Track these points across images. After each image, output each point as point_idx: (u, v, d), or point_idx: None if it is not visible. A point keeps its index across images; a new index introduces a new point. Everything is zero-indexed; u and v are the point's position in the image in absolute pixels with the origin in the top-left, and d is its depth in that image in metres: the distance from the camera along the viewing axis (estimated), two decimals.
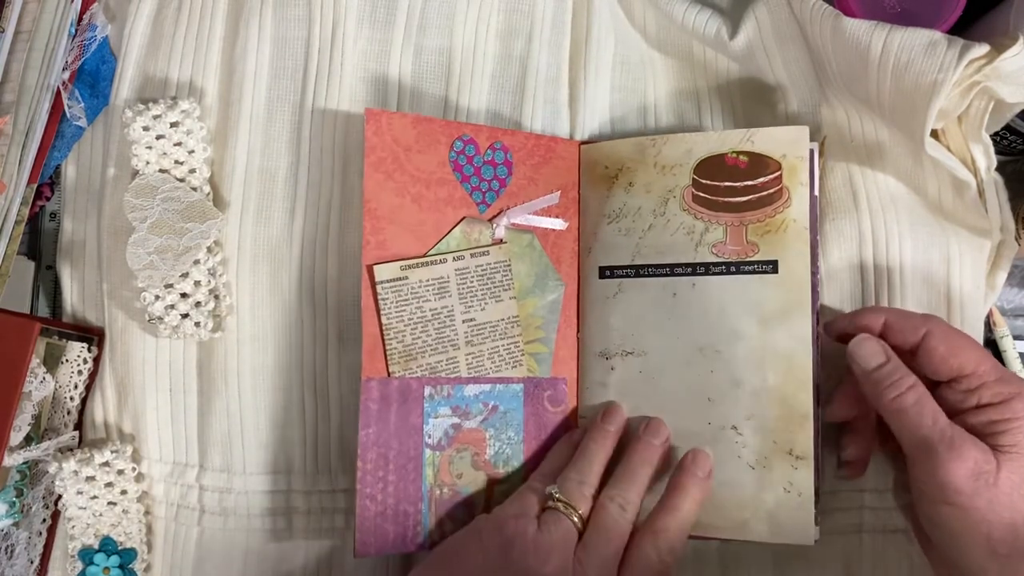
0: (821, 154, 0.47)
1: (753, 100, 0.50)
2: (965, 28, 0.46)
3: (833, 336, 0.45)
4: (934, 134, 0.43)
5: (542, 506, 0.43)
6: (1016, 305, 0.52)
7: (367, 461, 0.44)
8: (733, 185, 0.46)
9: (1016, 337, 0.51)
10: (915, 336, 0.42)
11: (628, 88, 0.51)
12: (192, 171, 0.47)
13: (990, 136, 0.44)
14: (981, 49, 0.40)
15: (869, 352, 0.42)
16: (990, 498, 0.38)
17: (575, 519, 0.42)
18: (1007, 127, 0.46)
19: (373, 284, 0.44)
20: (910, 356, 0.42)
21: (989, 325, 0.50)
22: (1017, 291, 0.52)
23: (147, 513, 0.48)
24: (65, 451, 0.47)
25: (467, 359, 0.46)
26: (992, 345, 0.51)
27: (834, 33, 0.43)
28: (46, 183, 0.50)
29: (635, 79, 0.51)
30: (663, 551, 0.42)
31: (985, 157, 0.44)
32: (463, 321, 0.46)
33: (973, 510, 0.38)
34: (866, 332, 0.43)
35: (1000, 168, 0.45)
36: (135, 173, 0.47)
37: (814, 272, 0.45)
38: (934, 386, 0.42)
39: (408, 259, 0.45)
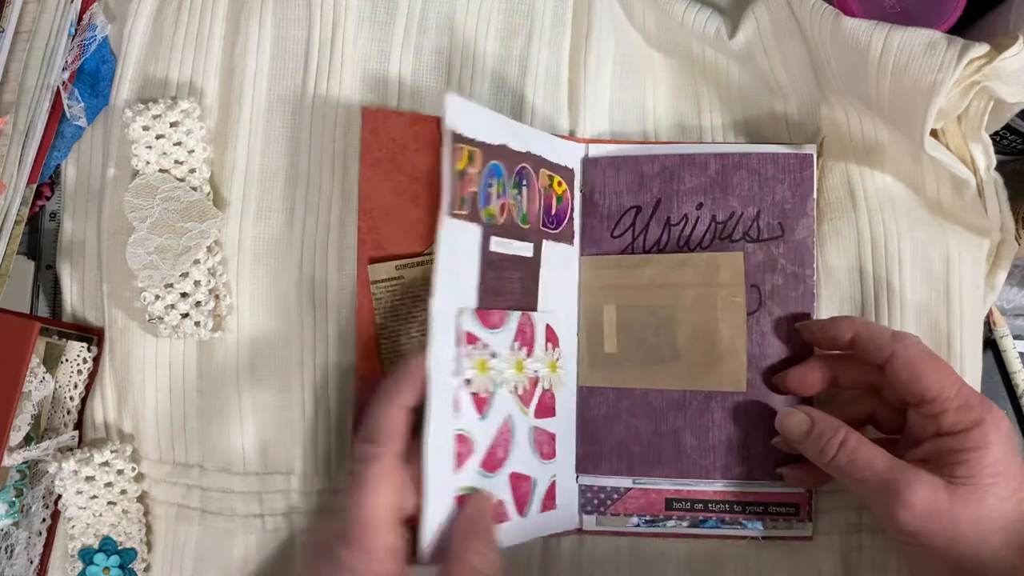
0: (820, 155, 0.47)
1: (753, 100, 0.50)
2: (965, 28, 0.46)
3: (807, 340, 0.45)
4: (933, 133, 0.43)
5: None
6: (1016, 305, 0.52)
7: None
8: None
9: (1016, 337, 0.51)
10: (881, 355, 0.41)
11: (628, 87, 0.51)
12: (192, 171, 0.47)
13: (990, 136, 0.44)
14: (981, 49, 0.39)
15: (794, 423, 0.43)
16: (950, 536, 0.38)
17: None
18: (1007, 127, 0.46)
19: (367, 283, 0.45)
20: (880, 373, 0.42)
21: (989, 325, 0.50)
22: (1017, 291, 0.52)
23: (147, 513, 0.48)
24: (65, 451, 0.47)
25: None
26: (992, 345, 0.51)
27: (834, 33, 0.43)
28: (46, 183, 0.51)
29: (635, 78, 0.51)
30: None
31: (984, 156, 0.44)
32: None
33: (933, 548, 0.38)
34: (835, 342, 0.43)
35: (1000, 168, 0.45)
36: (135, 173, 0.47)
37: (809, 275, 0.46)
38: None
39: (403, 258, 0.45)
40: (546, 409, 0.46)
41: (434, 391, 0.39)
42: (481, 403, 0.42)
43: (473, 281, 0.42)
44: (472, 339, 0.42)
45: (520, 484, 0.44)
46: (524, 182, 0.45)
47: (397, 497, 0.39)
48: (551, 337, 0.46)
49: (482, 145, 0.43)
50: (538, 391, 0.45)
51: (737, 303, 0.46)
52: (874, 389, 0.44)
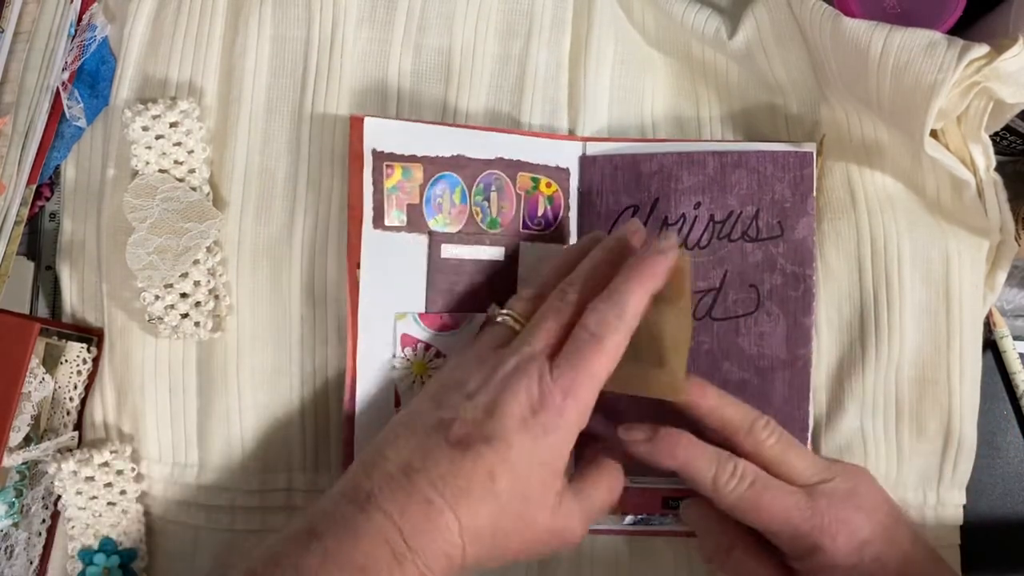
0: (819, 154, 0.47)
1: (752, 100, 0.50)
2: (965, 28, 0.46)
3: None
4: (933, 134, 0.43)
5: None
6: (1016, 305, 0.52)
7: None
8: None
9: (1016, 337, 0.51)
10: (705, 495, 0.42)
11: (627, 87, 0.50)
12: (192, 171, 0.47)
13: (990, 136, 0.44)
14: (981, 50, 0.39)
15: (693, 518, 0.45)
16: None
17: (512, 324, 0.42)
18: (1007, 127, 0.46)
19: (357, 285, 0.45)
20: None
21: (989, 326, 0.50)
22: (1017, 291, 0.52)
23: (147, 513, 0.48)
24: (64, 451, 0.47)
25: None
26: (992, 346, 0.50)
27: (833, 33, 0.43)
28: (46, 183, 0.51)
29: (634, 78, 0.51)
30: (592, 325, 0.39)
31: (984, 157, 0.44)
32: None
33: None
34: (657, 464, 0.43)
35: (1000, 168, 0.45)
36: (134, 173, 0.47)
37: (809, 274, 0.46)
38: None
39: None
40: None
41: (368, 388, 0.45)
42: None
43: (420, 287, 0.45)
44: (410, 341, 0.45)
45: None
46: (493, 188, 0.46)
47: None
48: None
49: (423, 160, 0.45)
50: None
51: (682, 308, 0.42)
52: None
